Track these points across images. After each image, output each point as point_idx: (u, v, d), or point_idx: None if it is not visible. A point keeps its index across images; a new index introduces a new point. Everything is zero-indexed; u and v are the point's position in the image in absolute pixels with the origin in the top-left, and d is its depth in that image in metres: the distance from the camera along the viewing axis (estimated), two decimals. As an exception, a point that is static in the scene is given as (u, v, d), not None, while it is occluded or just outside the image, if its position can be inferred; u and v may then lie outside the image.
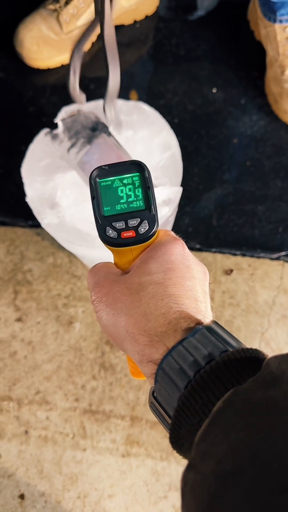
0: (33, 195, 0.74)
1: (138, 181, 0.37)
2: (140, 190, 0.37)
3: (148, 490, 0.81)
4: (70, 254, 0.94)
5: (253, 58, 1.10)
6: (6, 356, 0.89)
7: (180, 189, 0.76)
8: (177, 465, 0.82)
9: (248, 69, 1.10)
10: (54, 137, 0.78)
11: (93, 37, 1.07)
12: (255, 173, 1.01)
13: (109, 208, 0.37)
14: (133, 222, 0.36)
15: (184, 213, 0.97)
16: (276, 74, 1.02)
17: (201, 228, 0.97)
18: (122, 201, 0.37)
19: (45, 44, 1.02)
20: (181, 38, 1.14)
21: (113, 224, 0.36)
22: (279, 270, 0.94)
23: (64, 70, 1.08)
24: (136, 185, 0.37)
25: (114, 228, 0.36)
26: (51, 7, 1.01)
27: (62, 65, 1.07)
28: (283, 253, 0.94)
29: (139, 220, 0.36)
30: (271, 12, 0.99)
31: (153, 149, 0.78)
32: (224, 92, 1.08)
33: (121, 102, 0.80)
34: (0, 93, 1.08)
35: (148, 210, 0.37)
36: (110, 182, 0.37)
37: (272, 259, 0.95)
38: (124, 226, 0.36)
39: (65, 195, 0.73)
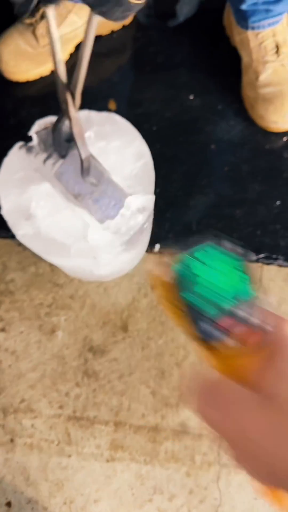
0: (8, 207, 0.75)
1: (235, 267, 0.30)
2: (237, 272, 0.30)
3: (133, 494, 0.82)
4: (51, 263, 0.95)
5: (230, 64, 1.12)
6: (-9, 365, 0.90)
7: (153, 197, 0.77)
8: (161, 468, 0.83)
9: (225, 74, 1.11)
10: (29, 149, 0.79)
11: (72, 48, 1.09)
12: (233, 177, 1.02)
13: (212, 310, 0.29)
14: (246, 315, 0.28)
15: (164, 219, 0.98)
16: (251, 80, 1.04)
17: (181, 233, 0.98)
18: (224, 297, 0.29)
19: (23, 58, 1.04)
20: (159, 46, 1.16)
21: (222, 328, 0.28)
22: (258, 273, 0.95)
23: (43, 82, 1.09)
24: (230, 270, 0.30)
25: (226, 333, 0.28)
26: (27, 21, 1.03)
27: (41, 77, 1.08)
28: (262, 255, 0.96)
29: (250, 308, 0.28)
30: (243, 20, 1.01)
31: (126, 159, 0.79)
32: (202, 99, 1.09)
33: (93, 114, 0.82)
34: (-19, 107, 1.09)
35: (252, 289, 0.29)
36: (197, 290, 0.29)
37: (250, 261, 0.96)
38: (243, 326, 0.28)
39: (40, 206, 0.74)
